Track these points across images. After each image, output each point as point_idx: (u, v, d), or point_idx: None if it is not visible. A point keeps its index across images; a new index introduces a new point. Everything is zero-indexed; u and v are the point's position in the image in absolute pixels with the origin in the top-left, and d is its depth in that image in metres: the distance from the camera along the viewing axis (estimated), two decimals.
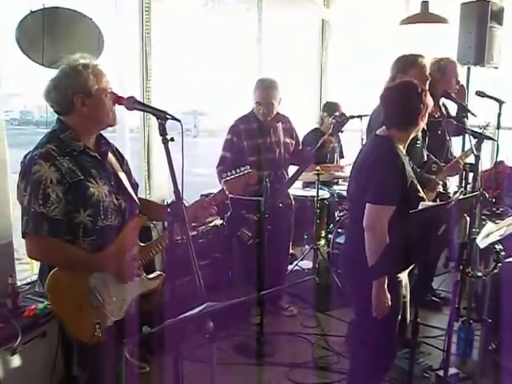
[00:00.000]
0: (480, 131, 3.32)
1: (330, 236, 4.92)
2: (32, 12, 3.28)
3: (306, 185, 5.27)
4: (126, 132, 4.63)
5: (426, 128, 3.48)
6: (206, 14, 4.82)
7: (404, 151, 2.62)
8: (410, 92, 2.57)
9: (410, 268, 2.56)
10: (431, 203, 2.35)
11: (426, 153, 3.55)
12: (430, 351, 3.68)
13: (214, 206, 2.54)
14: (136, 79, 4.23)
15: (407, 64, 3.46)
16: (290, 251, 5.27)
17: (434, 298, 4.39)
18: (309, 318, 4.31)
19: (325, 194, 4.96)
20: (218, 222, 4.25)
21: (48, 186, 2.07)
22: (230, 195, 2.61)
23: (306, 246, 4.98)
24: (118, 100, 2.21)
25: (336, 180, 5.33)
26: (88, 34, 3.55)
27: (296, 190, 5.11)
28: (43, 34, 3.27)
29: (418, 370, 3.41)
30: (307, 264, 4.99)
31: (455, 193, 3.32)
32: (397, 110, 2.58)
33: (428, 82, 3.49)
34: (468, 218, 2.61)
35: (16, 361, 2.88)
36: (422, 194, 2.59)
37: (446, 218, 2.22)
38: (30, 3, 3.29)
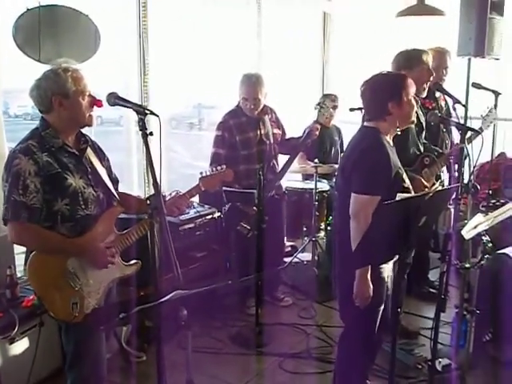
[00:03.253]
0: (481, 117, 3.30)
1: (329, 228, 4.95)
2: (28, 10, 3.35)
3: (306, 177, 5.29)
4: (131, 126, 4.69)
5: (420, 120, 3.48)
6: (204, 7, 4.84)
7: (391, 142, 2.64)
8: (377, 82, 2.62)
9: (394, 260, 2.58)
10: (407, 194, 2.36)
11: (421, 145, 3.52)
12: (424, 342, 3.69)
13: (189, 199, 2.80)
14: (134, 75, 4.28)
15: (413, 61, 3.47)
16: (292, 243, 5.33)
17: (430, 290, 4.40)
18: (306, 309, 4.35)
19: (324, 186, 4.98)
20: (216, 214, 4.30)
21: (27, 178, 2.24)
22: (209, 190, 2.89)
23: (306, 238, 5.01)
24: (96, 102, 2.39)
25: (336, 172, 5.33)
26: (84, 30, 3.61)
27: (295, 182, 5.17)
28: (39, 31, 3.33)
29: (412, 360, 3.45)
30: (306, 256, 5.03)
31: (433, 184, 3.33)
32: (368, 102, 2.62)
33: (432, 76, 3.54)
34: (452, 210, 2.62)
35: (14, 349, 2.97)
36: (407, 184, 2.62)
37: (425, 210, 2.23)
38: (27, 1, 3.36)
